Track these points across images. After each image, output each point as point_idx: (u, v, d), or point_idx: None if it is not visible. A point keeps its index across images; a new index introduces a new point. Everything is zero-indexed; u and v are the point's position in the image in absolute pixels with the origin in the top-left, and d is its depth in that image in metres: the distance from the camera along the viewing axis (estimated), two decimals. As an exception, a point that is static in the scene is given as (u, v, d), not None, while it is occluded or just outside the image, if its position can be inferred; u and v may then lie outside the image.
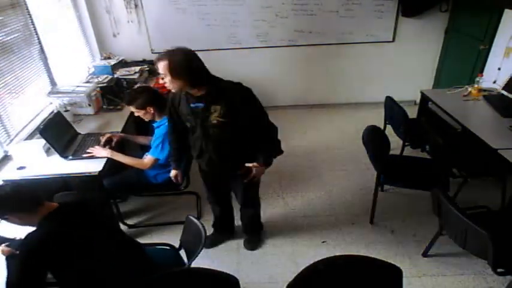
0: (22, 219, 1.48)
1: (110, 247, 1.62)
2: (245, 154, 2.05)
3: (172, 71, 1.70)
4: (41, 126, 2.44)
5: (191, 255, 1.78)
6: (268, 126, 2.02)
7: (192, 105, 1.88)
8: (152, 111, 2.35)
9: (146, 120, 2.43)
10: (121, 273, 1.59)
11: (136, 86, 3.26)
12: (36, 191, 1.52)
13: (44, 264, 1.40)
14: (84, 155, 2.35)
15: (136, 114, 2.40)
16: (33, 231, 1.44)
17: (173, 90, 1.87)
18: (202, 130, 1.92)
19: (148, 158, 2.39)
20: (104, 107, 3.11)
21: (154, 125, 2.42)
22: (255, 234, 2.60)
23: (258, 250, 2.51)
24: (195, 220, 1.81)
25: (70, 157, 2.34)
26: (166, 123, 2.26)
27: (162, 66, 1.71)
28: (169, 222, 2.74)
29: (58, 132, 2.45)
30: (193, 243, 1.77)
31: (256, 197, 2.41)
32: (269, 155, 2.06)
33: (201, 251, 1.69)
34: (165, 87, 3.58)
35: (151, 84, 3.66)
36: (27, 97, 2.80)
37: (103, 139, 2.47)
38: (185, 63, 1.71)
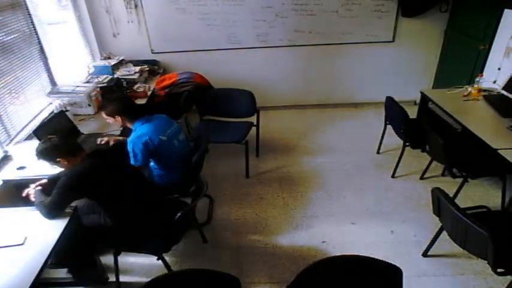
0: (69, 162, 1.86)
1: (134, 190, 2.01)
2: None
3: None
4: (37, 126, 2.44)
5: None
6: None
7: None
8: (120, 120, 2.35)
9: (116, 127, 2.45)
10: (144, 218, 1.98)
11: (114, 95, 3.21)
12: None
13: (79, 190, 1.82)
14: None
15: (107, 121, 2.41)
16: (76, 165, 1.85)
17: None
18: None
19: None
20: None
21: (135, 131, 2.40)
22: None
23: (258, 250, 2.51)
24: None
25: None
26: (137, 129, 2.31)
27: None
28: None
29: (56, 132, 2.43)
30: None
31: None
32: None
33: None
34: (163, 88, 3.63)
35: (152, 84, 3.67)
36: (27, 97, 2.80)
37: (99, 141, 2.49)
38: None
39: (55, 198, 1.78)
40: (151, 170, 2.51)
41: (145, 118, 2.37)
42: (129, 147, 2.31)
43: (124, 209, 1.96)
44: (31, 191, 1.96)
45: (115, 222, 1.99)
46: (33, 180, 2.16)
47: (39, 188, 1.96)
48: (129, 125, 2.39)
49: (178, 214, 1.91)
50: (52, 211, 1.79)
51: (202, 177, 2.20)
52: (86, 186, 1.83)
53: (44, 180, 1.98)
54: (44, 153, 1.85)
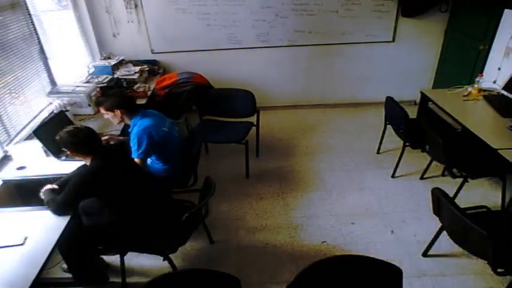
0: (83, 158, 1.94)
1: (138, 190, 2.04)
2: None
3: None
4: (36, 126, 2.44)
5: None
6: None
7: None
8: (119, 114, 2.36)
9: (115, 123, 2.46)
10: (146, 216, 2.01)
11: (111, 91, 3.25)
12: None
13: (90, 189, 1.88)
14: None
15: (105, 116, 2.42)
16: (87, 165, 1.94)
17: None
18: None
19: (136, 160, 2.38)
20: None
21: (129, 130, 2.43)
22: None
23: (258, 250, 2.51)
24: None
25: (63, 158, 2.34)
26: (138, 123, 2.34)
27: None
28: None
29: (55, 132, 2.42)
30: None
31: None
32: None
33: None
34: (163, 88, 3.63)
35: (152, 84, 3.67)
36: (27, 97, 2.80)
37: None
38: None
39: (66, 196, 1.83)
40: (154, 165, 2.53)
41: (141, 113, 2.41)
42: (133, 141, 2.33)
43: (132, 209, 1.99)
44: (43, 190, 1.98)
45: (122, 222, 2.01)
46: (33, 180, 2.18)
47: (49, 187, 1.99)
48: (127, 120, 2.41)
49: (186, 214, 1.91)
50: (62, 208, 1.85)
51: (211, 178, 2.24)
52: (97, 185, 1.88)
53: (56, 187, 2.00)
54: (63, 142, 1.92)
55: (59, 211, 1.85)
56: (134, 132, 2.35)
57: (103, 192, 1.92)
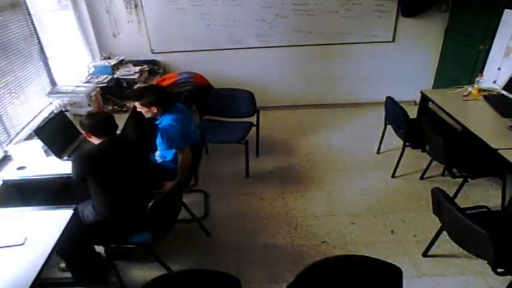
0: (93, 140, 2.03)
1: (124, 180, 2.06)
2: None
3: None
4: (38, 126, 2.45)
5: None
6: None
7: None
8: (155, 111, 2.41)
9: (147, 116, 2.48)
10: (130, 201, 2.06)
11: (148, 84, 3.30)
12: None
13: (87, 168, 1.95)
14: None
15: (138, 109, 2.46)
16: (90, 147, 2.06)
17: None
18: None
19: (182, 151, 2.44)
20: (110, 108, 3.11)
21: (157, 122, 2.48)
22: None
23: (258, 250, 2.51)
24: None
25: (65, 157, 2.34)
26: (166, 118, 2.40)
27: None
28: (177, 220, 2.73)
29: (56, 132, 2.44)
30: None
31: None
32: None
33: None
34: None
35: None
36: (27, 97, 2.80)
37: None
38: None
39: (73, 169, 1.99)
40: (170, 159, 2.55)
41: (172, 109, 2.47)
42: (165, 134, 2.37)
43: (118, 197, 2.04)
44: None
45: (106, 211, 2.04)
46: (33, 180, 2.18)
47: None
48: (158, 117, 2.47)
49: (150, 203, 1.89)
50: (74, 176, 2.00)
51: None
52: (93, 165, 1.96)
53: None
54: (81, 123, 2.05)
55: (75, 180, 2.00)
56: (165, 125, 2.40)
57: (100, 174, 1.97)
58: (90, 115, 2.03)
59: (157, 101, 2.39)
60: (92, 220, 2.07)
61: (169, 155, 2.54)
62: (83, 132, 2.11)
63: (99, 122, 1.99)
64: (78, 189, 2.21)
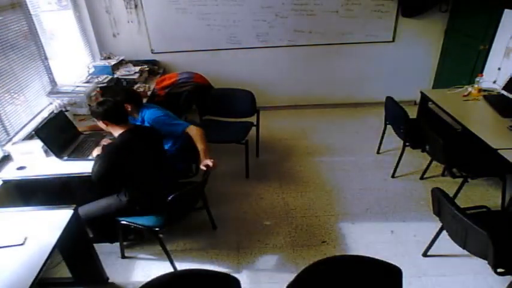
0: (113, 129, 2.10)
1: (153, 166, 2.20)
2: None
3: None
4: (38, 126, 2.44)
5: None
6: None
7: None
8: (130, 108, 2.48)
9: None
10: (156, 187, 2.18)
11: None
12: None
13: (117, 161, 2.01)
14: (90, 157, 2.33)
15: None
16: (115, 140, 2.12)
17: None
18: None
19: (190, 129, 2.49)
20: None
21: (145, 116, 2.53)
22: None
23: (258, 250, 2.51)
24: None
25: (65, 158, 2.34)
26: (148, 112, 2.51)
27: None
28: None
29: (56, 133, 2.44)
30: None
31: None
32: None
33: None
34: (163, 88, 3.65)
35: (152, 84, 3.67)
36: (27, 97, 2.80)
37: (103, 142, 2.47)
38: None
39: (98, 169, 2.01)
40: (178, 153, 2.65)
41: (144, 106, 2.61)
42: (163, 116, 2.48)
43: (142, 185, 2.15)
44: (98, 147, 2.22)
45: (130, 194, 2.15)
46: (33, 180, 2.18)
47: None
48: (135, 115, 2.53)
49: (173, 195, 1.94)
50: (97, 179, 2.02)
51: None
52: (123, 159, 2.03)
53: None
54: (93, 112, 2.11)
55: (95, 179, 2.02)
56: (156, 116, 2.47)
57: (129, 164, 2.04)
58: (100, 103, 2.08)
59: (127, 99, 2.46)
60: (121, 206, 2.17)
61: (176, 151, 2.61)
62: (98, 122, 2.14)
63: (112, 108, 2.05)
64: (78, 190, 2.22)
